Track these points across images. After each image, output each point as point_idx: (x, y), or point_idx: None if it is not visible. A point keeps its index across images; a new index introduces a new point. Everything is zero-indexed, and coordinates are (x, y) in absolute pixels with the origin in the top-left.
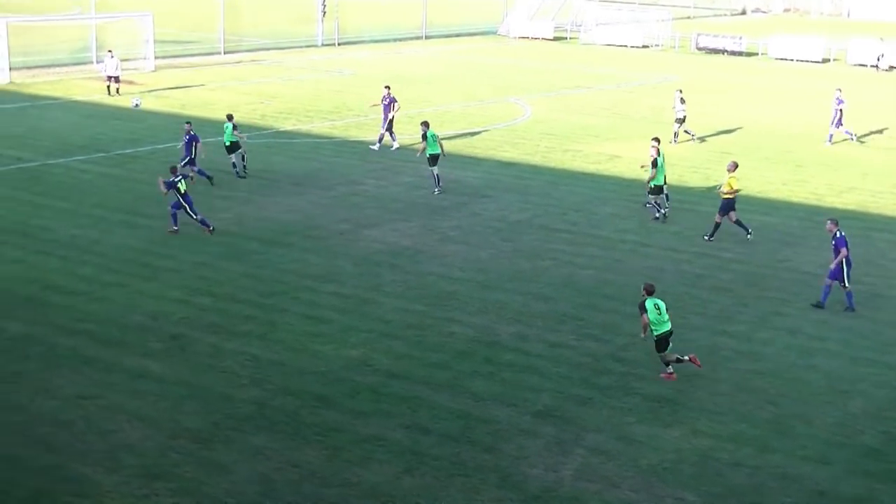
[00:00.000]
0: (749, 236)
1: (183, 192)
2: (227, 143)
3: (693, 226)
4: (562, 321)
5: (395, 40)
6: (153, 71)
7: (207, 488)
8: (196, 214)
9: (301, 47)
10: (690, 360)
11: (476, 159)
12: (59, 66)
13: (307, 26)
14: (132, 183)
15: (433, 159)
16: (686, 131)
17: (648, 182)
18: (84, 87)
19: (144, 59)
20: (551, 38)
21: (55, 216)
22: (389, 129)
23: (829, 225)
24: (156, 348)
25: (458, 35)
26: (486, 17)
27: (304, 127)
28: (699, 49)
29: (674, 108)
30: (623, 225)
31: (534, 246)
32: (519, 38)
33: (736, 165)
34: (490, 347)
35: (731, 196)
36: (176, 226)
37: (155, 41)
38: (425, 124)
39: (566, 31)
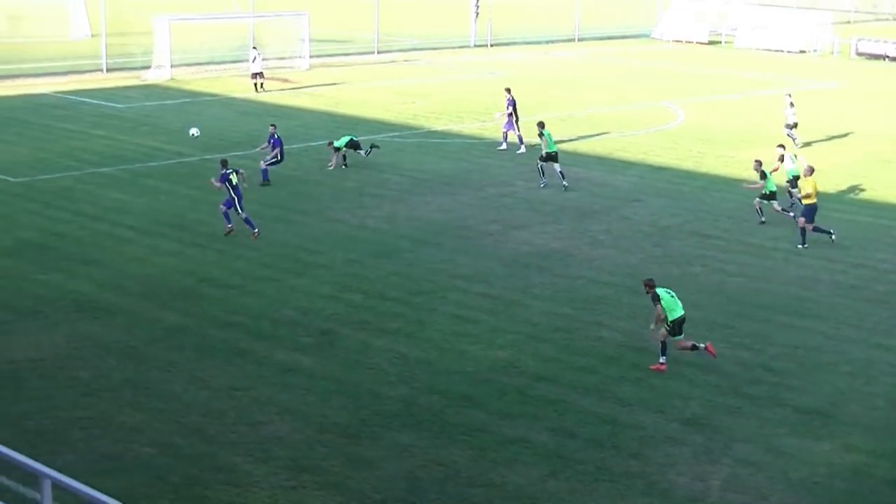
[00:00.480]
0: (833, 238)
1: (234, 184)
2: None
3: (849, 235)
4: (712, 329)
5: (547, 42)
6: (307, 69)
7: (353, 483)
8: (242, 212)
9: (454, 48)
10: (706, 348)
11: (627, 163)
12: (217, 63)
13: (460, 27)
14: (286, 179)
15: (550, 157)
16: (790, 135)
17: (764, 187)
18: (240, 85)
19: (300, 57)
20: (706, 42)
21: (212, 210)
22: (512, 127)
23: None
24: (306, 343)
25: (610, 38)
26: (639, 19)
27: (455, 127)
28: (859, 55)
29: (784, 112)
30: (775, 233)
31: (684, 252)
32: (673, 41)
33: (812, 170)
34: (638, 353)
35: (810, 202)
36: (230, 223)
37: (310, 40)
38: (541, 124)
39: (721, 35)
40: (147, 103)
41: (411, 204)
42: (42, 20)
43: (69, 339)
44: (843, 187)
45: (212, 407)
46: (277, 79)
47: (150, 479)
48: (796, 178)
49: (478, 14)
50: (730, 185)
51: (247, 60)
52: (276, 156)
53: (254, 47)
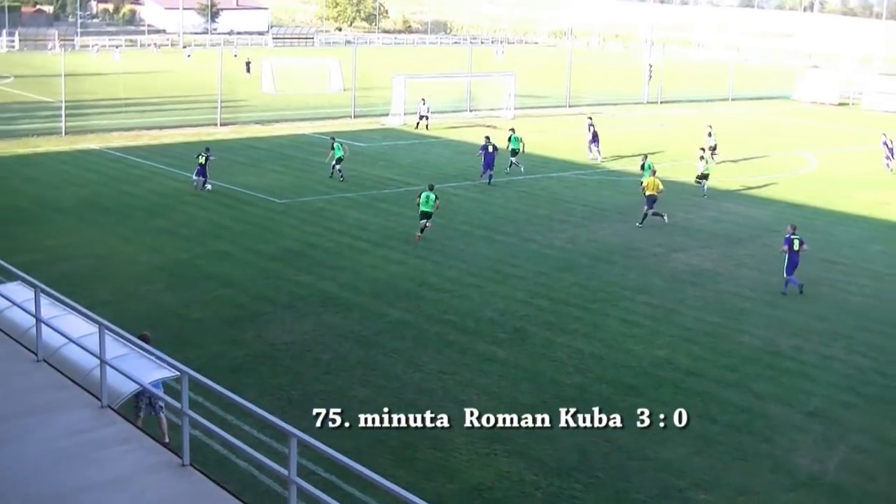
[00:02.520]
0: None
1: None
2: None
3: None
4: (834, 338)
5: (706, 101)
6: (512, 118)
7: (535, 452)
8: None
9: (629, 104)
10: None
11: (768, 200)
12: (442, 112)
13: (635, 87)
14: (492, 206)
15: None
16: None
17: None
18: (458, 130)
19: (507, 109)
20: (836, 103)
21: (431, 232)
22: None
23: None
24: (501, 338)
25: (758, 98)
26: (782, 84)
27: (629, 168)
28: None
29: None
30: (892, 261)
31: (814, 274)
32: (809, 102)
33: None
34: (772, 355)
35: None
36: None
37: (516, 95)
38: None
39: (849, 97)
40: (384, 143)
41: (591, 229)
42: (307, 78)
43: (315, 327)
44: None
45: (424, 386)
46: (489, 126)
47: (373, 441)
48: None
49: (650, 77)
50: (852, 220)
51: (465, 111)
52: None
53: (422, 99)
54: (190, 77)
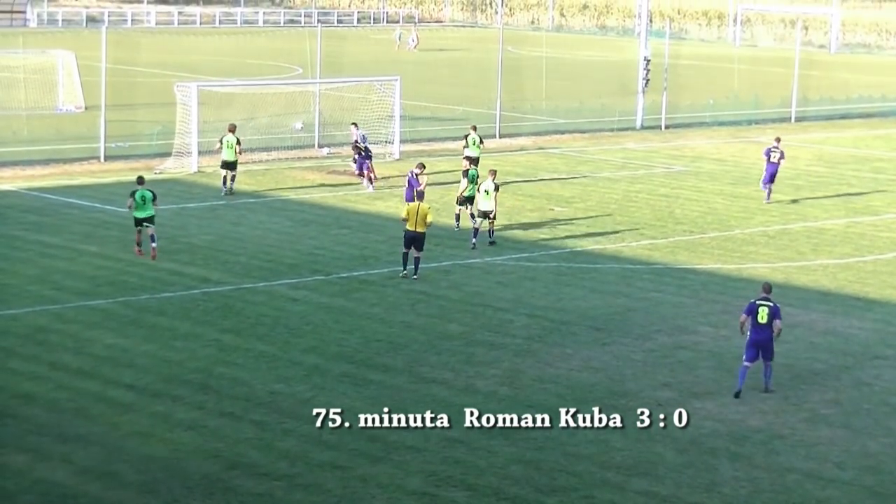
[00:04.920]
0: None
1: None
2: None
3: None
4: None
5: (747, 123)
6: (398, 159)
7: None
8: None
9: (610, 131)
10: None
11: (866, 301)
12: (259, 150)
13: (621, 101)
14: (361, 320)
15: None
16: None
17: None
18: (295, 182)
19: (388, 142)
20: None
21: (250, 364)
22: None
23: None
24: None
25: (847, 117)
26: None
27: (610, 246)
28: None
29: None
30: None
31: None
32: None
33: None
34: None
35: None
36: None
37: (402, 117)
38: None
39: None
40: (163, 206)
41: (543, 358)
42: (11, 87)
43: None
44: None
45: None
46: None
47: None
48: None
49: (647, 82)
50: None
51: (312, 146)
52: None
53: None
54: None
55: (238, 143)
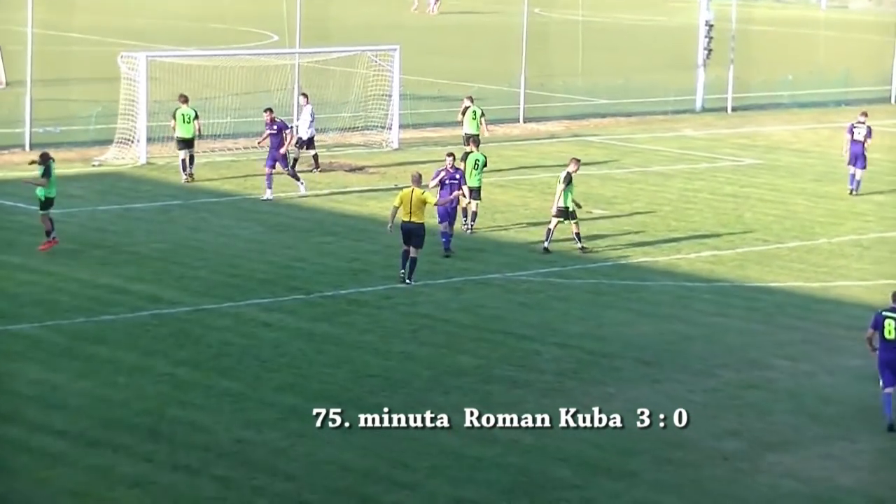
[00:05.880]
0: None
1: None
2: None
3: None
4: None
5: (837, 104)
6: (395, 149)
7: None
8: None
9: (663, 114)
10: None
11: None
12: (225, 136)
13: (677, 77)
14: (350, 350)
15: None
16: None
17: None
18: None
19: (385, 128)
20: None
21: (211, 405)
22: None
23: None
24: None
25: None
26: None
27: (662, 258)
28: None
29: None
30: None
31: None
32: None
33: None
34: None
35: None
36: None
37: (402, 96)
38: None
39: None
40: (104, 207)
41: (577, 399)
42: None
43: None
44: None
45: None
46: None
47: None
48: None
49: (709, 53)
50: None
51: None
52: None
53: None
54: None
55: (196, 116)
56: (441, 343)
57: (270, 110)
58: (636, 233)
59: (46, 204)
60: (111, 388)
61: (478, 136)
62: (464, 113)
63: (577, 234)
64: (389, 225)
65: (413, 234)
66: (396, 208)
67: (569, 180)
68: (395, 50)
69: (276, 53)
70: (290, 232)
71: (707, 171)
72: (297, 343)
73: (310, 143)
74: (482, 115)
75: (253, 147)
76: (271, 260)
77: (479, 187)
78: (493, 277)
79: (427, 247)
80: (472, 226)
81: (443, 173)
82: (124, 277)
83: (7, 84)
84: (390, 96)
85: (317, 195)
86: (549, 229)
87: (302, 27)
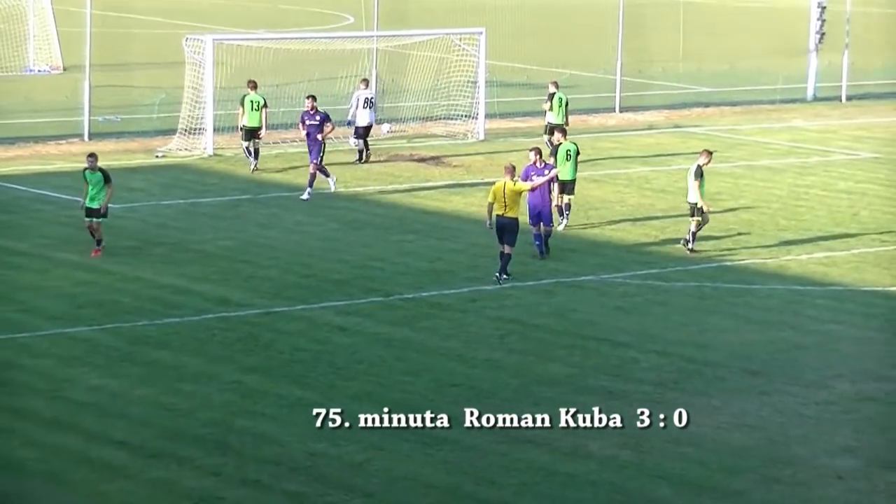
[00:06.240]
0: None
1: None
2: None
3: None
4: None
5: None
6: (481, 140)
7: None
8: None
9: (771, 103)
10: None
11: None
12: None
13: (787, 63)
14: (431, 357)
15: None
16: None
17: None
18: (345, 167)
19: (470, 117)
20: None
21: (282, 415)
22: None
23: None
24: None
25: None
26: None
27: (771, 260)
28: None
29: None
30: None
31: None
32: None
33: None
34: None
35: None
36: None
37: (487, 83)
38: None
39: None
40: (168, 202)
41: (683, 405)
42: None
43: None
44: None
45: None
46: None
47: None
48: None
49: (822, 37)
50: None
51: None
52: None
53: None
54: None
55: (265, 104)
56: (530, 350)
57: (313, 98)
58: (742, 233)
59: (86, 212)
60: (175, 396)
61: (562, 125)
62: (550, 100)
63: (694, 234)
64: (488, 222)
65: (506, 229)
66: (492, 204)
67: (700, 174)
68: (480, 33)
69: (352, 37)
70: (367, 229)
71: (819, 165)
72: (374, 349)
73: (366, 132)
74: (567, 103)
75: (327, 138)
76: (347, 259)
77: (574, 180)
78: (587, 280)
79: (517, 246)
80: (564, 221)
81: (532, 173)
82: (189, 277)
83: (64, 69)
84: (475, 83)
85: (396, 190)
86: (691, 230)
87: (380, 8)
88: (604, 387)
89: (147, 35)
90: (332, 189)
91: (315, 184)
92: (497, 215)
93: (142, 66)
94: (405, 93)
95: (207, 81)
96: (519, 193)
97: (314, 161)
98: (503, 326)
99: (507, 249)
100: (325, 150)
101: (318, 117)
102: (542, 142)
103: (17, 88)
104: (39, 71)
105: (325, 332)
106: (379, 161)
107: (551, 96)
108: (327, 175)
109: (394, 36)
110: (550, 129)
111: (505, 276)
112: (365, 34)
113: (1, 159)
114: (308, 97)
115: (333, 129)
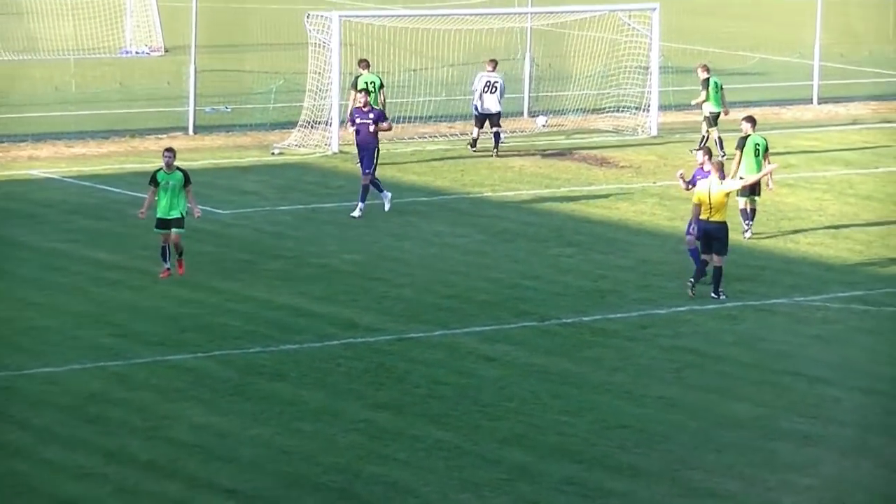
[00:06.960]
0: None
1: None
2: None
3: None
4: None
5: None
6: (654, 136)
7: None
8: None
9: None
10: None
11: None
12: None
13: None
14: (595, 393)
15: None
16: None
17: None
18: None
19: (642, 109)
20: None
21: (418, 461)
22: None
23: None
24: None
25: None
26: None
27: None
28: None
29: None
30: None
31: None
32: None
33: None
34: None
35: None
36: None
37: (661, 69)
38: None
39: None
40: (286, 207)
41: (888, 460)
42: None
43: None
44: None
45: None
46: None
47: None
48: None
49: None
50: None
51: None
52: None
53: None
54: None
55: (381, 85)
56: (711, 386)
57: (366, 92)
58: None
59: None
60: (293, 437)
61: (719, 114)
62: (706, 87)
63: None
64: (692, 227)
65: (713, 235)
66: (698, 206)
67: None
68: (654, 10)
69: (503, 13)
70: (518, 241)
71: None
72: (527, 383)
73: (497, 118)
74: (722, 86)
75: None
76: (495, 277)
77: (759, 181)
78: (779, 303)
79: (687, 263)
80: (749, 228)
81: (699, 177)
82: (310, 297)
83: (166, 51)
84: (647, 69)
85: (553, 195)
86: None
87: None
88: (799, 430)
89: (262, 11)
90: (387, 208)
91: (365, 199)
92: (700, 220)
93: (256, 48)
94: (564, 80)
95: (334, 65)
96: (727, 196)
97: (367, 171)
98: (679, 358)
99: (716, 261)
100: (379, 157)
101: (371, 115)
102: (710, 137)
103: (112, 73)
104: (137, 53)
105: (469, 363)
106: (524, 156)
107: (706, 82)
108: (381, 190)
109: (551, 13)
110: (713, 119)
111: (722, 295)
112: (517, 10)
113: (93, 156)
114: (360, 91)
115: (390, 129)
